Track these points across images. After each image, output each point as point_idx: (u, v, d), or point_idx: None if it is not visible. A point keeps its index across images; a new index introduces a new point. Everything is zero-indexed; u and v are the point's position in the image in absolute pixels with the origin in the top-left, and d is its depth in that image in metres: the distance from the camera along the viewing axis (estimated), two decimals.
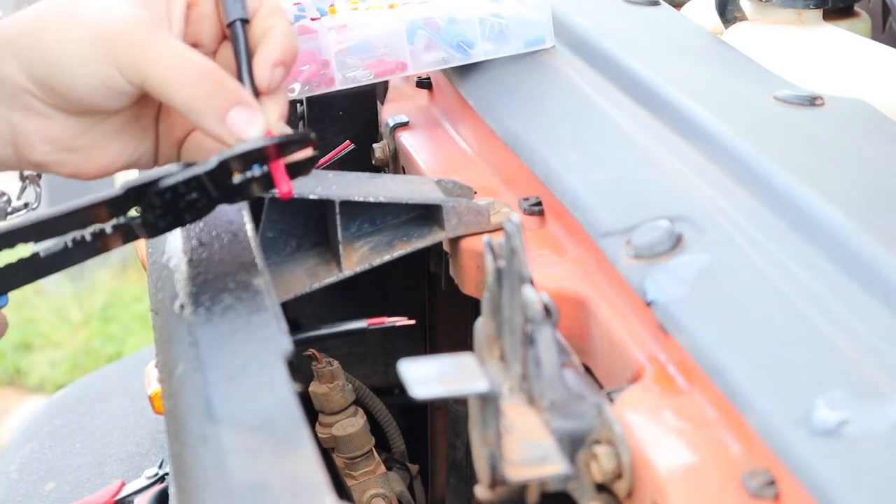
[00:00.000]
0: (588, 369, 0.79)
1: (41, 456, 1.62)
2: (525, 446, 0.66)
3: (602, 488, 0.67)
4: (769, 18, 1.09)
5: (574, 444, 0.67)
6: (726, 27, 1.12)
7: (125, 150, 0.82)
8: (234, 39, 0.79)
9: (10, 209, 1.02)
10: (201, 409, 0.66)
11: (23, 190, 0.97)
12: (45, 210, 0.78)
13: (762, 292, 0.69)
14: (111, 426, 1.66)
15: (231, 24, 0.79)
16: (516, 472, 0.64)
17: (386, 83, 1.24)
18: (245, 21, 0.79)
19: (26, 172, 0.96)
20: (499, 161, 0.99)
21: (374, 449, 1.19)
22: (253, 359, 0.69)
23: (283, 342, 0.70)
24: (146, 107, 0.82)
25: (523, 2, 1.03)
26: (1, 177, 0.92)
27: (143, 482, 1.44)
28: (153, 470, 1.45)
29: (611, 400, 0.69)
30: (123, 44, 0.77)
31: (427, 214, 0.91)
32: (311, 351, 1.15)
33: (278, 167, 0.77)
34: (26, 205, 1.01)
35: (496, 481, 0.65)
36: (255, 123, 0.76)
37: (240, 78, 0.78)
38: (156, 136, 0.84)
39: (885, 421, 0.58)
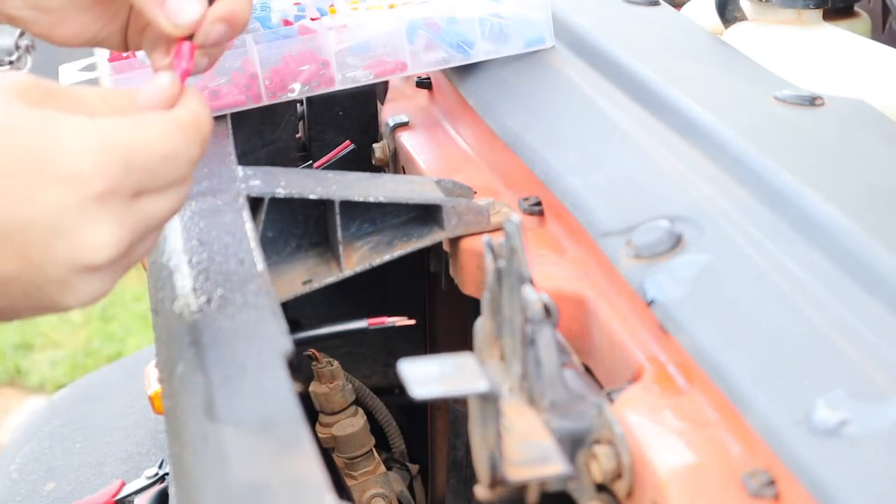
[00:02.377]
0: (588, 369, 0.79)
1: (41, 456, 1.62)
2: (525, 446, 0.66)
3: (602, 488, 0.67)
4: (769, 18, 1.09)
5: (574, 444, 0.67)
6: (726, 27, 1.12)
7: (94, 23, 0.85)
8: None
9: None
10: (201, 409, 0.66)
11: (18, 59, 1.00)
12: None
13: (762, 292, 0.69)
14: (111, 426, 1.66)
15: None
16: (516, 472, 0.64)
17: (386, 83, 1.24)
18: None
19: (22, 42, 0.98)
20: (499, 161, 0.99)
21: (374, 449, 1.19)
22: (253, 359, 0.69)
23: (283, 342, 0.70)
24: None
25: (523, 2, 1.03)
26: None
27: (143, 482, 1.44)
28: (153, 470, 1.45)
29: (611, 400, 0.69)
30: None
31: (427, 214, 0.91)
32: (311, 351, 1.15)
33: (178, 74, 0.78)
34: (11, 63, 1.03)
35: (496, 481, 0.65)
36: (188, 10, 0.78)
37: None
38: (126, 21, 0.86)
39: (885, 421, 0.58)
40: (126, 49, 0.88)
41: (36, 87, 0.68)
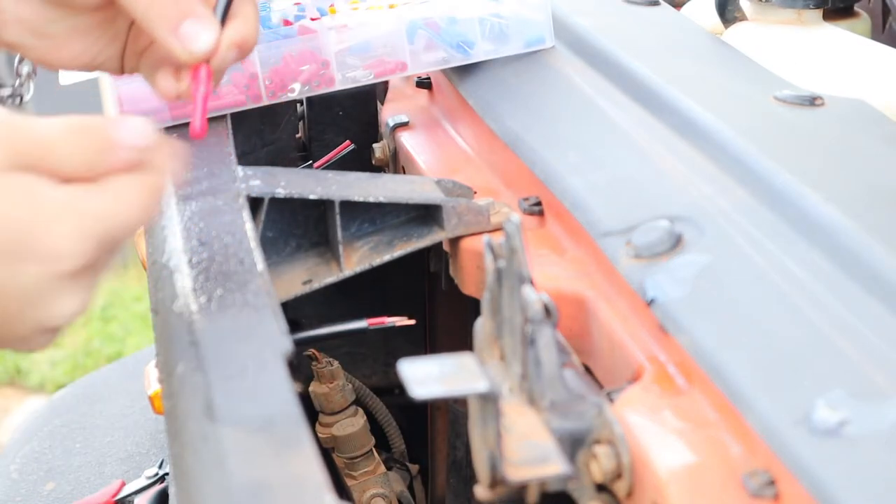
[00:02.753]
0: (588, 369, 0.79)
1: (41, 456, 1.62)
2: (525, 446, 0.66)
3: (602, 488, 0.67)
4: (769, 18, 1.09)
5: (574, 444, 0.67)
6: (726, 27, 1.12)
7: (92, 48, 0.86)
8: None
9: (5, 95, 1.04)
10: (201, 409, 0.66)
11: (20, 85, 0.99)
12: None
13: (762, 292, 0.69)
14: (111, 426, 1.66)
15: None
16: (516, 472, 0.64)
17: (386, 83, 1.24)
18: None
19: (24, 68, 0.98)
20: (499, 161, 0.99)
21: (374, 449, 1.19)
22: (253, 359, 0.69)
23: (283, 342, 0.70)
24: (120, 13, 0.85)
25: (523, 2, 1.03)
26: None
27: (143, 482, 1.44)
28: (153, 470, 1.45)
29: (611, 400, 0.69)
30: None
31: (427, 214, 0.91)
32: (311, 351, 1.15)
33: (199, 98, 0.79)
34: (13, 96, 1.03)
35: (496, 481, 0.65)
36: (202, 37, 0.79)
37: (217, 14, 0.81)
38: (124, 44, 0.87)
39: (885, 421, 0.58)
40: (122, 72, 0.88)
41: (9, 143, 0.68)
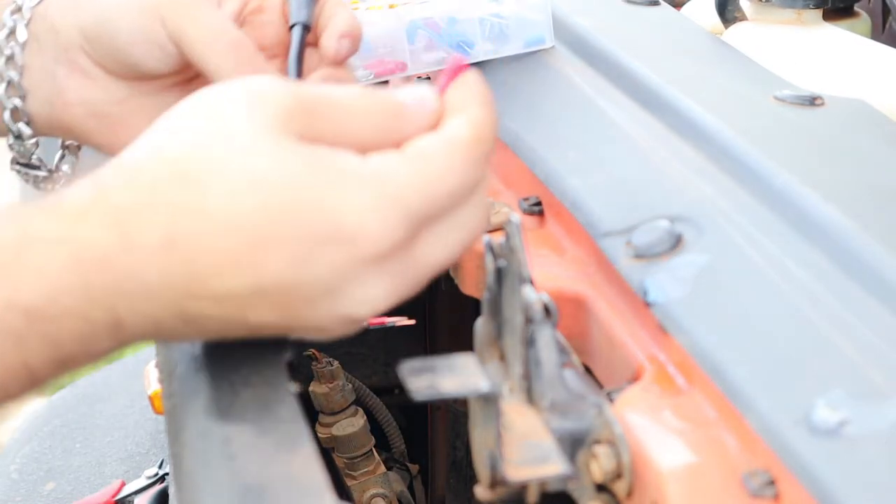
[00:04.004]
0: (588, 369, 0.79)
1: (41, 456, 1.62)
2: (525, 446, 0.66)
3: (602, 488, 0.67)
4: (769, 18, 1.09)
5: (574, 444, 0.67)
6: (726, 27, 1.12)
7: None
8: (291, 41, 0.82)
9: (42, 176, 0.99)
10: (201, 409, 0.66)
11: (61, 158, 0.96)
12: None
13: (762, 292, 0.69)
14: (111, 426, 1.66)
15: (292, 27, 0.83)
16: (516, 472, 0.64)
17: (386, 83, 1.24)
18: (307, 28, 0.82)
19: (67, 142, 0.96)
20: (499, 161, 0.99)
21: (374, 449, 1.19)
22: (253, 359, 0.69)
23: (284, 342, 0.70)
24: (183, 90, 0.84)
25: (523, 2, 1.03)
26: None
27: (143, 482, 1.44)
28: (153, 470, 1.45)
29: (611, 400, 0.69)
30: (171, 3, 0.80)
31: None
32: (311, 351, 1.15)
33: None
34: (50, 171, 0.98)
35: (496, 481, 0.65)
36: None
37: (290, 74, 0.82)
38: None
39: (885, 421, 0.58)
40: None
41: (302, 110, 0.61)
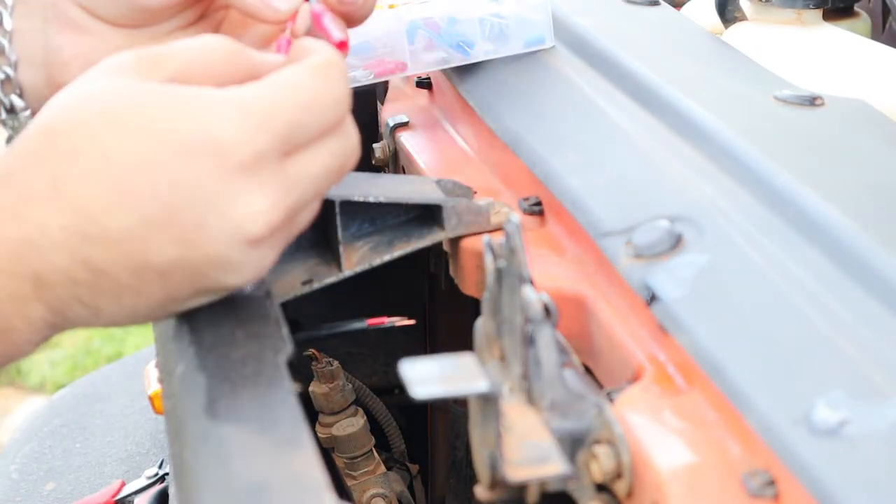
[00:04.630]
0: (588, 369, 0.79)
1: (41, 456, 1.62)
2: (525, 446, 0.66)
3: (602, 488, 0.67)
4: (769, 18, 1.09)
5: (574, 444, 0.67)
6: (726, 27, 1.12)
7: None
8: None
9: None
10: (201, 409, 0.66)
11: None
12: None
13: (762, 292, 0.69)
14: (111, 426, 1.66)
15: None
16: (516, 472, 0.64)
17: (386, 83, 1.24)
18: None
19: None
20: (499, 161, 0.99)
21: (374, 449, 1.19)
22: (253, 359, 0.69)
23: (283, 342, 0.70)
24: (183, 36, 0.82)
25: (523, 2, 1.03)
26: None
27: (143, 482, 1.44)
28: (153, 470, 1.45)
29: (611, 400, 0.69)
30: None
31: (427, 214, 0.91)
32: (311, 351, 1.15)
33: (324, 18, 0.76)
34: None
35: (496, 481, 0.65)
36: None
37: None
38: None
39: (885, 421, 0.58)
40: None
41: (147, 59, 0.66)
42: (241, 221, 0.64)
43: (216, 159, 0.63)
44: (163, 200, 0.63)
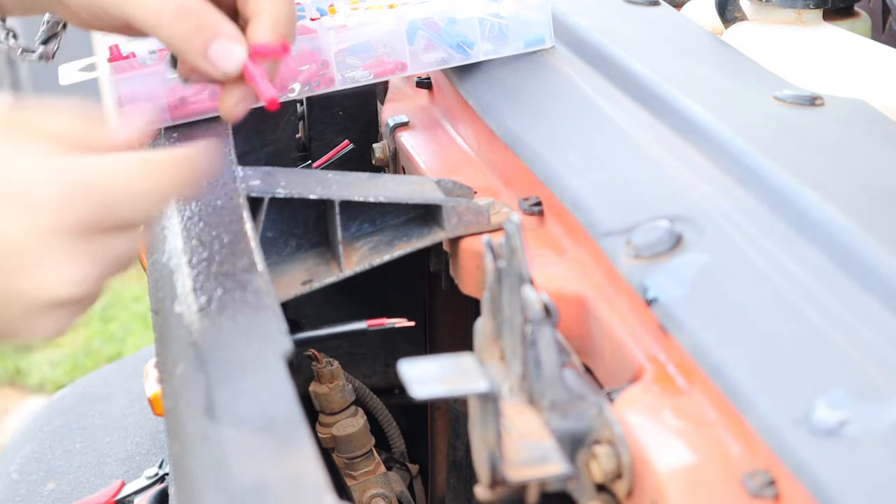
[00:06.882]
0: (588, 369, 0.79)
1: (41, 456, 1.62)
2: (525, 446, 0.66)
3: (602, 488, 0.67)
4: (769, 18, 1.09)
5: (574, 444, 0.67)
6: (726, 27, 1.12)
7: None
8: None
9: (20, 50, 0.98)
10: (201, 409, 0.66)
11: (45, 40, 0.95)
12: None
13: (762, 292, 0.69)
14: (111, 426, 1.66)
15: None
16: (516, 472, 0.64)
17: (386, 83, 1.24)
18: None
19: (48, 18, 0.95)
20: (499, 161, 0.99)
21: (374, 449, 1.19)
22: (253, 359, 0.69)
23: (283, 342, 0.70)
24: None
25: (523, 2, 1.03)
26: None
27: (143, 482, 1.44)
28: (153, 470, 1.45)
29: (611, 400, 0.69)
30: None
31: (427, 214, 0.91)
32: (311, 351, 1.15)
33: (256, 76, 0.79)
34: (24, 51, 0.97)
35: (496, 481, 0.65)
36: (234, 56, 0.79)
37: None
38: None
39: (885, 421, 0.58)
40: None
41: (12, 124, 0.67)
42: (51, 284, 0.65)
43: (38, 217, 0.64)
44: None
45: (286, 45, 0.81)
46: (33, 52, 0.96)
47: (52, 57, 0.97)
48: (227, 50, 0.78)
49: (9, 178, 0.64)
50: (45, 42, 0.97)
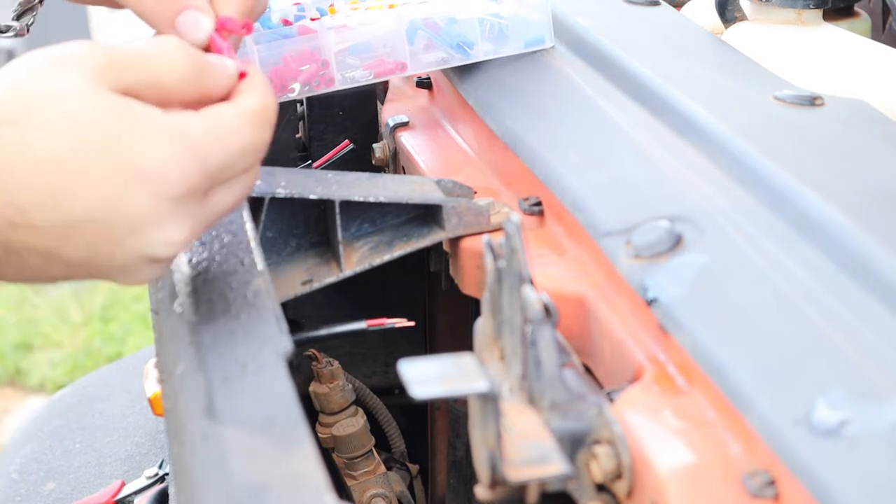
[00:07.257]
0: (588, 369, 0.79)
1: (41, 456, 1.62)
2: (525, 446, 0.66)
3: (602, 488, 0.67)
4: (769, 18, 1.09)
5: (574, 444, 0.67)
6: (726, 27, 1.12)
7: None
8: None
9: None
10: (201, 409, 0.66)
11: (20, 14, 0.96)
12: None
13: (762, 292, 0.69)
14: (111, 426, 1.66)
15: None
16: (516, 472, 0.64)
17: (386, 83, 1.24)
18: None
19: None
20: (499, 161, 0.99)
21: (374, 449, 1.19)
22: (253, 359, 0.69)
23: (283, 342, 0.70)
24: None
25: (523, 2, 1.03)
26: None
27: (143, 482, 1.44)
28: (153, 470, 1.45)
29: (611, 400, 0.69)
30: None
31: (427, 214, 0.91)
32: (311, 351, 1.15)
33: (224, 48, 0.80)
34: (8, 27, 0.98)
35: (496, 481, 0.65)
36: (201, 26, 0.80)
37: None
38: None
39: (885, 421, 0.58)
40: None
41: (112, 65, 0.69)
42: (156, 245, 0.69)
43: (151, 186, 0.68)
44: (91, 211, 0.67)
45: (249, 23, 0.82)
46: (7, 30, 0.97)
47: (27, 31, 0.98)
48: (195, 20, 0.80)
49: (129, 147, 0.67)
50: (19, 17, 0.98)
